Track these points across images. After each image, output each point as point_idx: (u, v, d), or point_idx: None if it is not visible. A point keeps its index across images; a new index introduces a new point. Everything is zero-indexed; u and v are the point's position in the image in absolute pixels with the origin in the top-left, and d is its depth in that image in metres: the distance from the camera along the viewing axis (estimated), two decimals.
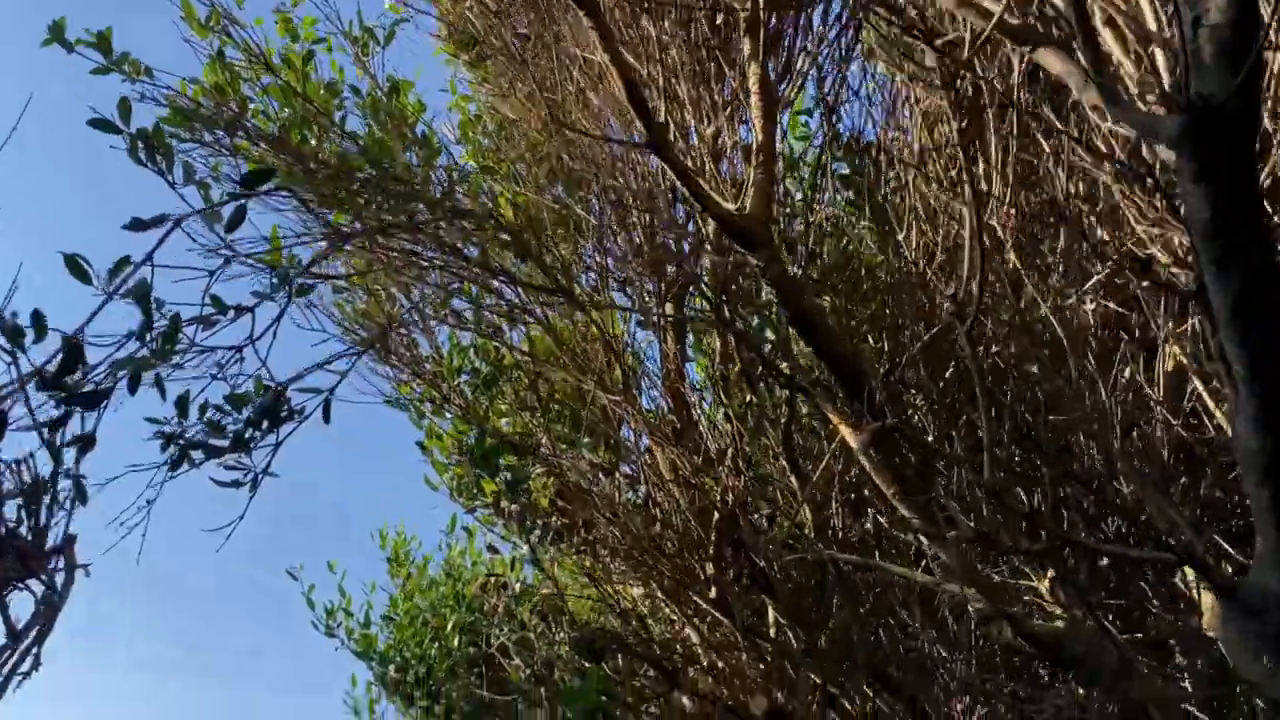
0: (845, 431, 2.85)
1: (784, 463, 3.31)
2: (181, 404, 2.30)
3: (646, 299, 3.27)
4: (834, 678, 3.48)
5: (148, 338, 2.18)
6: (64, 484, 3.88)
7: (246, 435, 2.42)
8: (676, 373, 3.45)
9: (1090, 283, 2.24)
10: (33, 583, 3.69)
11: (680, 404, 3.52)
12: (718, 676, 3.81)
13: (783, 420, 3.18)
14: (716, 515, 3.53)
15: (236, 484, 2.44)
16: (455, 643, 5.02)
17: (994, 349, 2.46)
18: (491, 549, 4.33)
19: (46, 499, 3.77)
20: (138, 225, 1.93)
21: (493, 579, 4.37)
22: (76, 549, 4.03)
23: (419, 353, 4.21)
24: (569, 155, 3.67)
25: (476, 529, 4.89)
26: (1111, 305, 2.36)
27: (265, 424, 2.43)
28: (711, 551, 3.56)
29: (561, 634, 4.30)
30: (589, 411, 3.69)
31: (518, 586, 4.23)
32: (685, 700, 3.78)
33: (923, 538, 2.90)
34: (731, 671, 3.73)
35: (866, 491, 3.33)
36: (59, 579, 3.93)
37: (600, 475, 3.89)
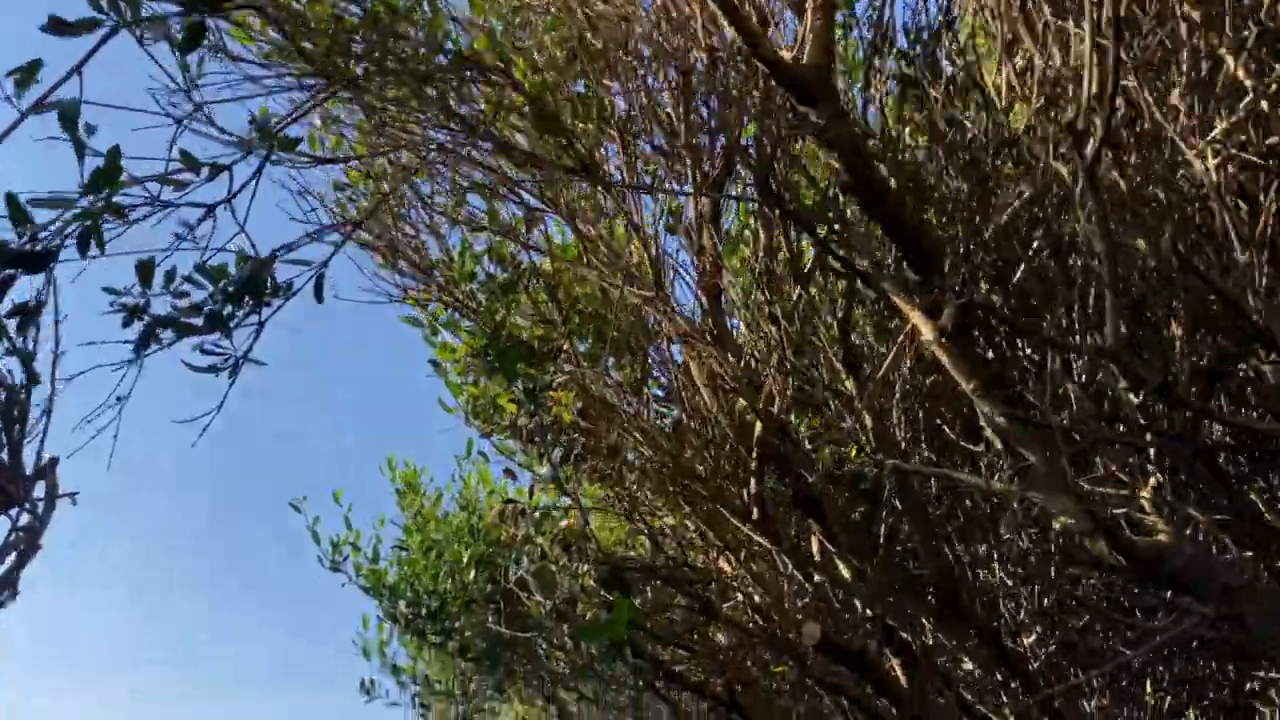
0: (917, 319, 2.46)
1: (839, 365, 2.94)
2: (144, 271, 1.93)
3: (682, 180, 2.88)
4: (890, 608, 3.14)
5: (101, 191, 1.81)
6: (37, 396, 3.49)
7: (225, 313, 2.06)
8: (713, 268, 3.07)
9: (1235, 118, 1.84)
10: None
11: (716, 304, 3.14)
12: (758, 608, 3.48)
13: (839, 313, 2.80)
14: (759, 428, 3.17)
15: (214, 369, 2.08)
16: (471, 577, 4.71)
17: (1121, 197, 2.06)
18: (509, 473, 3.99)
19: (17, 413, 3.40)
20: (60, 26, 1.54)
21: (510, 506, 4.04)
22: (58, 472, 3.64)
23: (429, 257, 3.84)
24: (591, 33, 3.26)
25: (491, 461, 4.55)
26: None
27: (247, 300, 2.07)
28: (753, 467, 3.21)
29: (585, 565, 3.97)
30: (616, 317, 3.31)
31: (537, 515, 3.89)
32: (721, 635, 3.46)
33: (1004, 441, 2.54)
34: (773, 602, 3.40)
35: (934, 397, 2.96)
36: (40, 505, 3.55)
37: (628, 394, 3.53)
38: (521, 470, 4.25)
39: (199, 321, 1.99)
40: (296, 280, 2.20)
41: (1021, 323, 2.50)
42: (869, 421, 2.87)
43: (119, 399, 2.43)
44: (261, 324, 2.09)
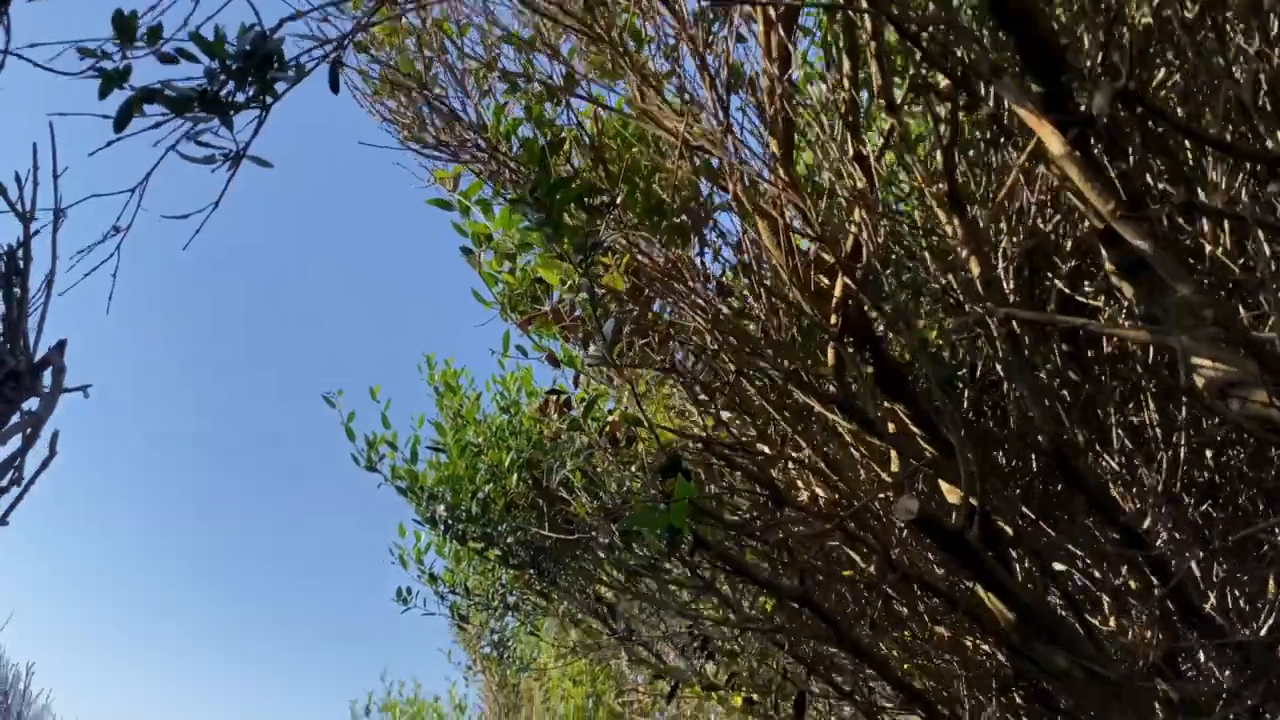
0: (1044, 131, 2.05)
1: (939, 205, 2.53)
2: (123, 24, 1.58)
3: None
4: (989, 494, 2.77)
5: None
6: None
7: (224, 93, 1.70)
8: (785, 94, 2.65)
9: None
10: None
11: (789, 144, 2.73)
12: (834, 501, 3.13)
13: (944, 138, 2.39)
14: (839, 289, 2.78)
15: (210, 160, 1.73)
16: (512, 481, 4.41)
17: None
18: (552, 359, 3.64)
19: (18, 289, 3.11)
20: None
21: (554, 397, 3.71)
22: (65, 355, 3.34)
23: (461, 118, 3.46)
24: None
25: (529, 356, 4.20)
26: None
27: (250, 79, 1.71)
28: (832, 336, 2.83)
29: (636, 461, 3.64)
30: (675, 165, 2.92)
31: (583, 405, 3.56)
32: (796, 526, 3.11)
33: (1142, 282, 2.13)
34: (852, 491, 3.04)
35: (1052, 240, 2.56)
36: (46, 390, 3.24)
37: (685, 263, 3.15)
38: (564, 368, 3.92)
39: (192, 95, 1.64)
40: (307, 68, 1.84)
41: (1182, 121, 2.08)
42: (975, 269, 2.47)
43: (116, 229, 2.12)
44: (267, 108, 1.73)
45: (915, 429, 3.05)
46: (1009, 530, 2.85)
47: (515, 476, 4.43)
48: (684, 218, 3.06)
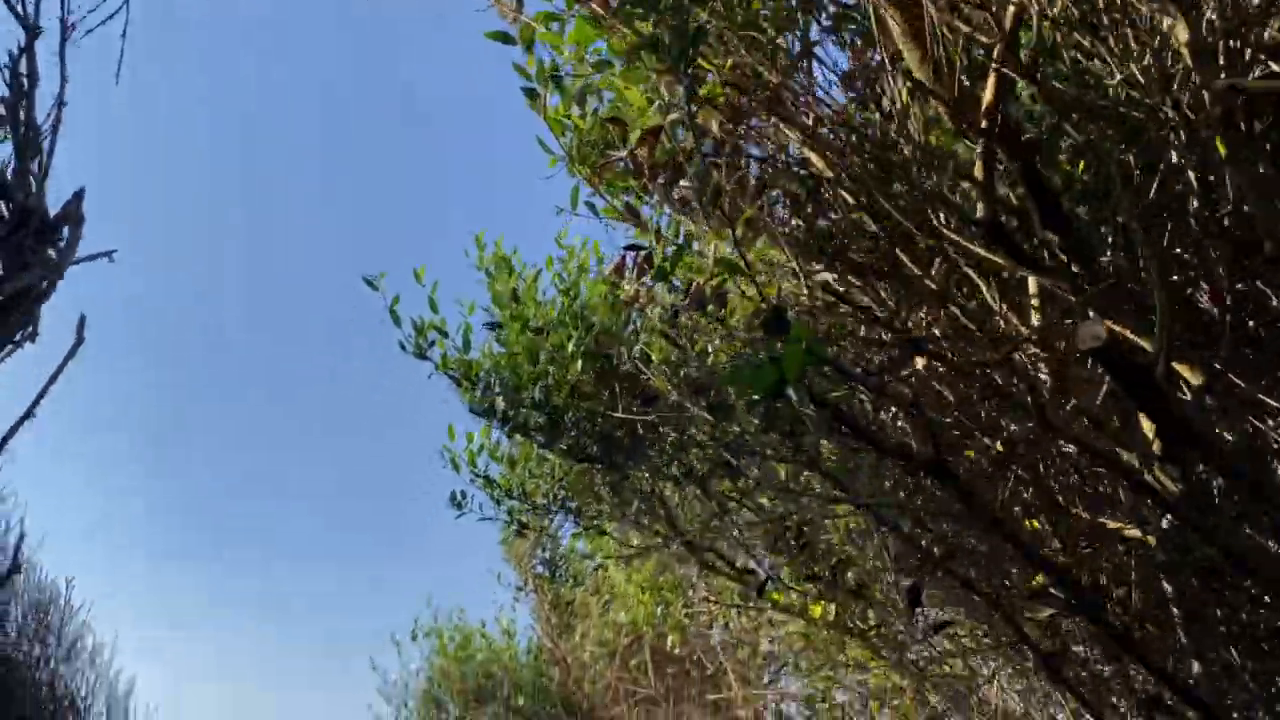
0: None
1: None
2: None
3: None
4: (1176, 327, 2.30)
5: None
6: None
7: None
8: None
9: None
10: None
11: None
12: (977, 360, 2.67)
13: None
14: (990, 88, 2.30)
15: None
16: (577, 367, 4.00)
17: None
18: (630, 211, 3.18)
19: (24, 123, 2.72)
20: None
21: (633, 252, 3.26)
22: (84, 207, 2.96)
23: None
24: None
25: (600, 220, 3.74)
26: None
27: None
28: (981, 149, 2.35)
29: (730, 320, 3.19)
30: None
31: (669, 258, 3.10)
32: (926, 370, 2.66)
33: None
34: (999, 339, 2.58)
35: None
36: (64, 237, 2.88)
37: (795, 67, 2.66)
38: (641, 228, 3.45)
39: None
40: None
41: None
42: (1182, 32, 1.97)
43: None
44: None
45: (1071, 263, 2.58)
46: (1194, 379, 2.38)
47: (580, 363, 4.01)
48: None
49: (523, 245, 4.52)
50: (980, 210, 2.47)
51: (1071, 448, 2.64)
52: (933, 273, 2.65)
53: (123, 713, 8.18)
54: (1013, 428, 2.62)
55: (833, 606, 4.69)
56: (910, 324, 2.70)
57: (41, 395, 4.50)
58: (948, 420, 2.69)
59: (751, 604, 4.53)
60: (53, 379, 4.50)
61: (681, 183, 2.84)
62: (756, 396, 2.16)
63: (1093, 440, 2.57)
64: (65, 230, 3.28)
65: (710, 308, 3.23)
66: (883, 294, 2.71)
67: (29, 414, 4.53)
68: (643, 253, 3.24)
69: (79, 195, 3.28)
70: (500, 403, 4.06)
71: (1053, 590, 3.08)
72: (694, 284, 3.25)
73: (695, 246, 3.15)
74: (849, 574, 3.52)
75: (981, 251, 2.52)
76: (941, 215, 2.52)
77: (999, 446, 2.63)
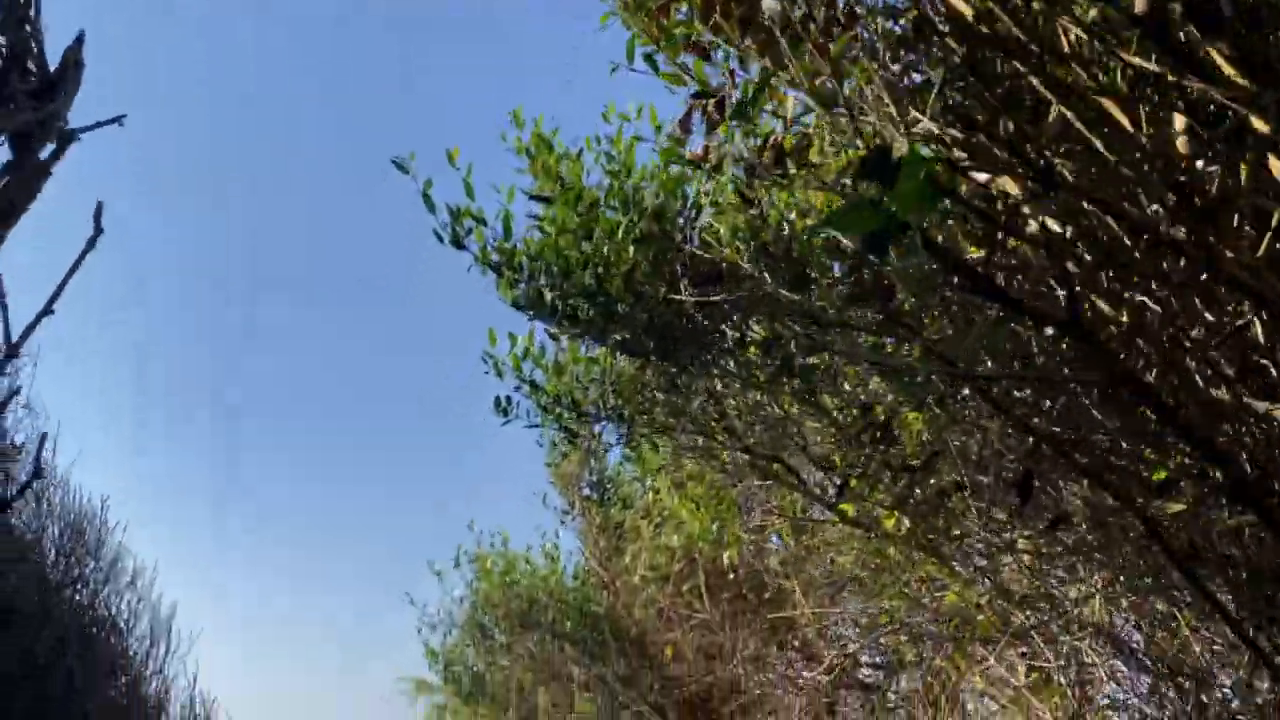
0: None
1: None
2: None
3: None
4: None
5: None
6: None
7: None
8: None
9: None
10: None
11: None
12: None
13: None
14: None
15: None
16: (629, 253, 3.60)
17: None
18: (698, 49, 2.75)
19: None
20: None
21: (700, 101, 2.83)
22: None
23: None
24: None
25: (658, 76, 3.29)
26: None
27: None
28: None
29: (813, 173, 2.76)
30: None
31: (750, 100, 2.67)
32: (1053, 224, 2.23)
33: None
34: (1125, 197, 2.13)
35: None
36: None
37: None
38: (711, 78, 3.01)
39: None
40: None
41: None
42: None
43: None
44: None
45: (1239, 76, 2.11)
46: None
47: (633, 249, 3.61)
48: None
49: (563, 135, 4.10)
50: (1140, 2, 2.01)
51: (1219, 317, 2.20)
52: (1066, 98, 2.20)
53: (166, 635, 8.09)
54: (1165, 278, 2.18)
55: (905, 520, 4.31)
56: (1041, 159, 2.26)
57: (61, 288, 4.21)
58: (1080, 274, 2.27)
59: (821, 517, 4.17)
60: (72, 270, 4.21)
61: (765, 2, 2.39)
62: (861, 243, 1.75)
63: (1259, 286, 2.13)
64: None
65: (791, 162, 2.81)
66: (1006, 127, 2.26)
67: (47, 309, 4.25)
68: (712, 100, 2.81)
69: (79, 39, 2.95)
70: (547, 294, 3.68)
71: (1183, 482, 2.68)
72: (772, 136, 2.82)
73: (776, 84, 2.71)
74: (941, 469, 3.13)
75: (1137, 60, 2.07)
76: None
77: (1150, 304, 2.20)
